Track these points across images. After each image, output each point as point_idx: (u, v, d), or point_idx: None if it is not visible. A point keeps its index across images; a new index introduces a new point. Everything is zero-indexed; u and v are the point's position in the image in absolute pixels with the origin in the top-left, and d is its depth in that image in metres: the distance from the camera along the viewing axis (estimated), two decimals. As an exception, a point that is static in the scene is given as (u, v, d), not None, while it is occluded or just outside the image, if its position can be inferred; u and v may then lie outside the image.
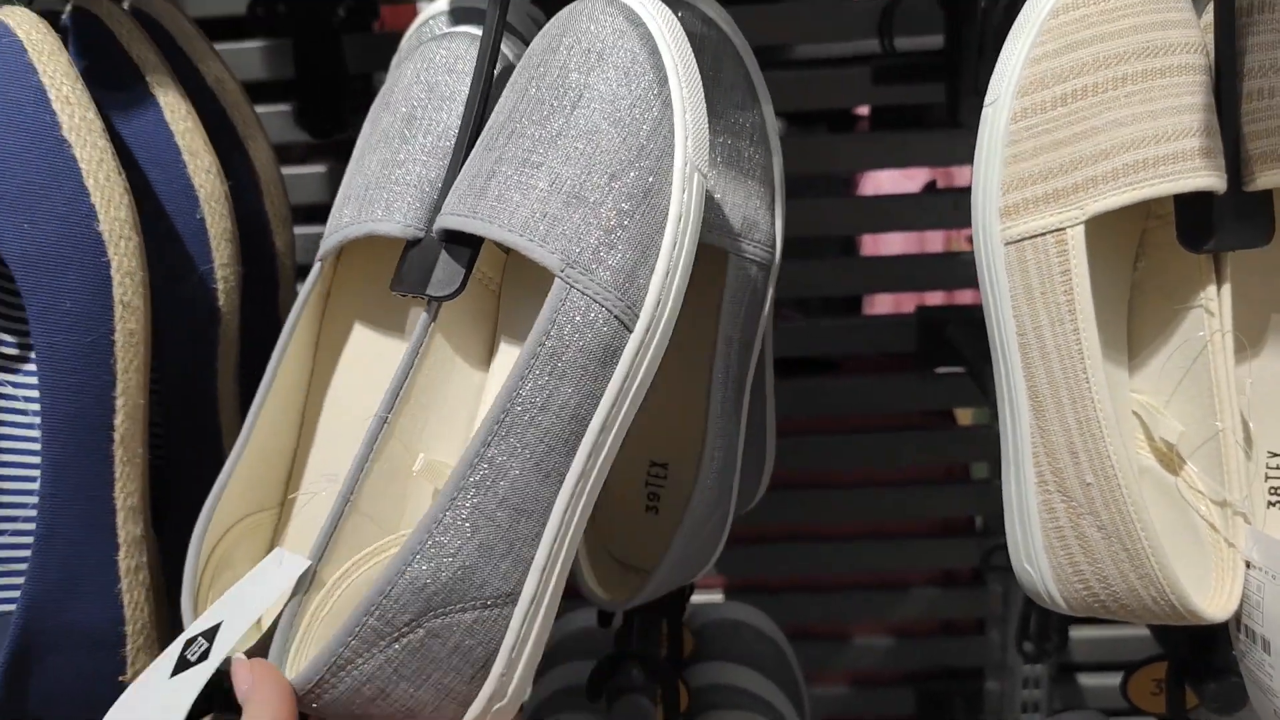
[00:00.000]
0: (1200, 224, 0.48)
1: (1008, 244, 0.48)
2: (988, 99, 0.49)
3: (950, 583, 1.14)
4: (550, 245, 0.43)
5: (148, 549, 0.49)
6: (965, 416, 1.20)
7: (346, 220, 0.50)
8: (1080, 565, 0.49)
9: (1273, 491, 0.53)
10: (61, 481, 0.46)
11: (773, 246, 0.56)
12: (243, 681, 0.41)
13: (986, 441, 1.08)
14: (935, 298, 1.12)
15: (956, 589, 1.13)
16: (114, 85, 0.51)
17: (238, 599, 0.43)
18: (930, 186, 1.24)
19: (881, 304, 1.32)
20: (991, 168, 0.49)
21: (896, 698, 1.17)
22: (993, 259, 0.49)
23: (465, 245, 0.47)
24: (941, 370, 1.05)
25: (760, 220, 0.54)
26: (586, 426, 0.43)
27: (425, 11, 0.58)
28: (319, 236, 0.78)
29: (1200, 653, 0.57)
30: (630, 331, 0.44)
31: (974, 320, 1.01)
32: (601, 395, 0.44)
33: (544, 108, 0.46)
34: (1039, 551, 0.50)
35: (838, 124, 1.22)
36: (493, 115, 0.49)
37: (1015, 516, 0.51)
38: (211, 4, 0.93)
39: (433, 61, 0.51)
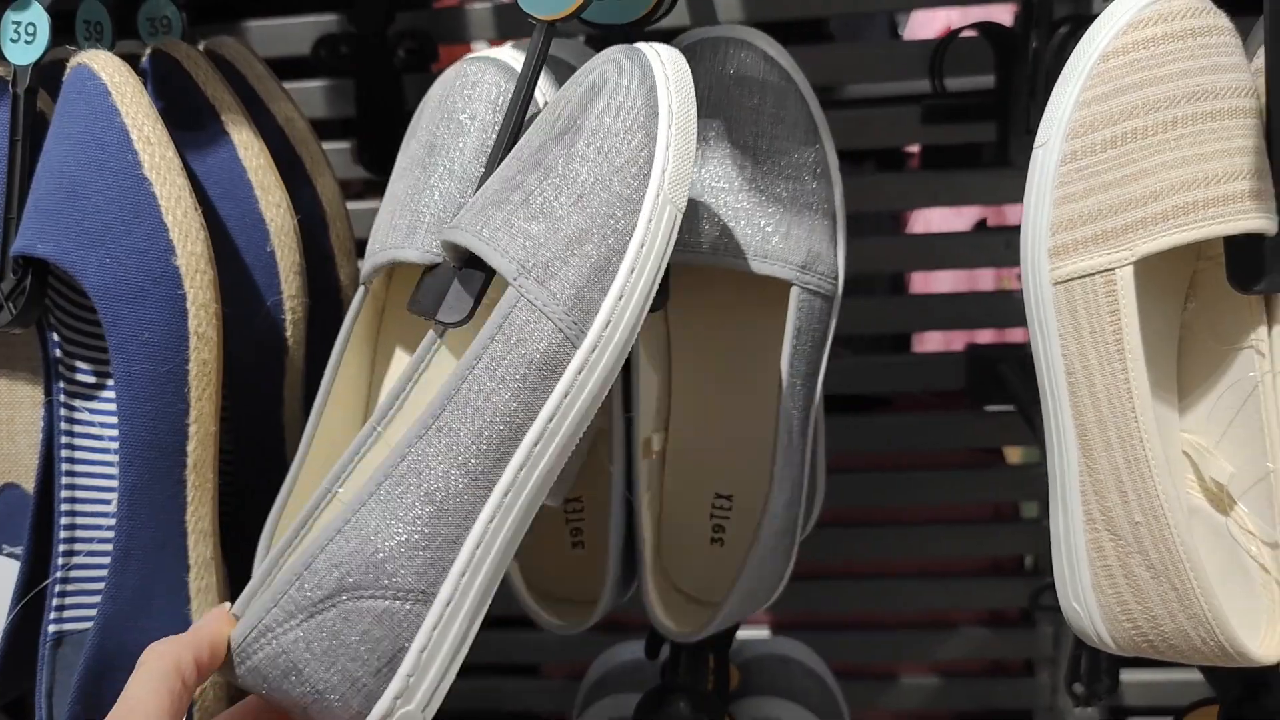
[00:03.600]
0: (1251, 265, 0.49)
1: (1057, 284, 0.49)
2: (1038, 141, 0.50)
3: (999, 623, 1.13)
4: (508, 254, 0.45)
5: (216, 570, 0.50)
6: (1015, 455, 1.19)
7: (376, 247, 0.53)
8: (1129, 604, 0.49)
9: (1324, 534, 0.53)
10: (138, 505, 0.48)
11: (835, 279, 0.57)
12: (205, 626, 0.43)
13: (1036, 481, 1.07)
14: (986, 335, 1.12)
15: (1005, 629, 1.12)
16: (191, 124, 0.53)
17: None
18: (980, 225, 1.24)
19: (931, 342, 1.32)
20: (1041, 209, 0.50)
21: (944, 738, 1.16)
22: (1041, 298, 0.50)
23: (478, 272, 0.47)
24: (992, 408, 1.05)
25: (823, 252, 0.55)
26: (522, 438, 0.44)
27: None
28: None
29: (1252, 695, 0.56)
30: (576, 348, 0.44)
31: (1026, 358, 1.01)
32: (540, 408, 0.44)
33: (542, 134, 0.48)
34: (1087, 590, 0.51)
35: (886, 162, 1.23)
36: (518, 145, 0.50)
37: (1063, 555, 0.52)
38: (277, 44, 0.96)
39: (452, 88, 0.54)
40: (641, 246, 0.45)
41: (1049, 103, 0.50)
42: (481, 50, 0.57)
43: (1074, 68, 0.49)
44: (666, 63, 0.47)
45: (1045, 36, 0.87)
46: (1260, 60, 0.49)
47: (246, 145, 0.54)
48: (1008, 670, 1.14)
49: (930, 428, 1.06)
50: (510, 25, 0.97)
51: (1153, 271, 0.51)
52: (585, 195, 0.45)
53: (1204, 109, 0.47)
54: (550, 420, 0.44)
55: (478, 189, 0.49)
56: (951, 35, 0.89)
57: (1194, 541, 0.48)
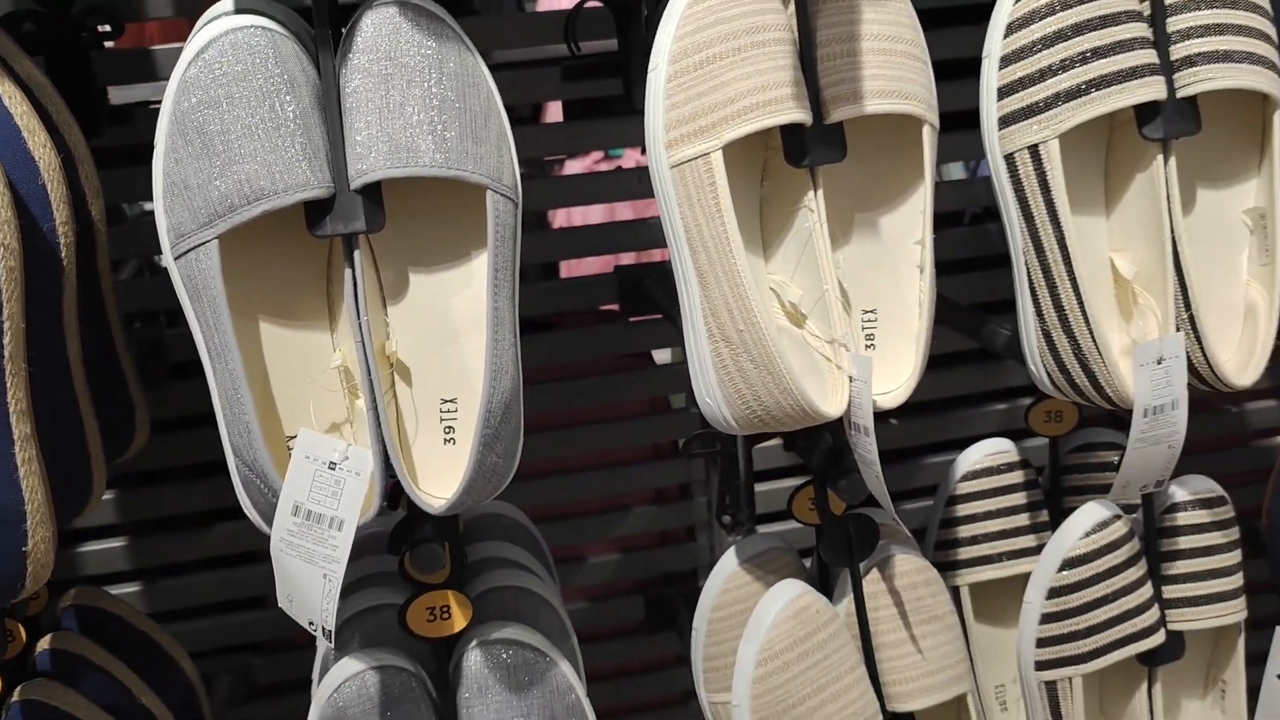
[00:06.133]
0: (798, 147, 0.70)
1: (672, 168, 0.68)
2: (650, 66, 0.69)
3: (662, 500, 1.34)
4: (478, 171, 0.66)
5: (35, 444, 0.60)
6: (663, 356, 1.40)
7: (266, 189, 0.62)
8: (742, 391, 0.70)
9: (868, 338, 0.76)
10: (-38, 390, 0.57)
11: (517, 190, 0.71)
12: None
13: (682, 376, 1.29)
14: (629, 258, 1.32)
15: (668, 504, 1.33)
16: (-42, 78, 0.62)
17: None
18: (618, 168, 1.45)
19: (590, 267, 1.49)
20: (657, 115, 0.69)
21: (628, 606, 1.36)
22: (663, 180, 0.69)
23: (373, 192, 0.65)
24: (639, 319, 1.25)
25: (505, 166, 0.70)
26: (518, 270, 0.68)
27: (207, 31, 0.66)
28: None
29: (833, 462, 0.78)
30: (519, 206, 0.69)
31: (665, 273, 1.22)
32: (518, 250, 0.68)
33: (418, 85, 0.65)
34: (714, 386, 0.71)
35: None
36: (358, 90, 0.65)
37: (695, 364, 0.72)
38: (-43, 23, 1.00)
39: (254, 55, 0.63)
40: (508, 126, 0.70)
41: (656, 38, 0.69)
42: (226, 21, 0.65)
43: (670, 13, 0.69)
44: (434, 7, 0.68)
45: (654, 3, 1.08)
46: (793, 6, 0.70)
47: (9, 95, 0.64)
48: (674, 539, 1.35)
49: (589, 341, 1.24)
50: (186, 2, 1.06)
51: (737, 159, 0.72)
52: (489, 116, 0.67)
53: (759, 39, 0.68)
54: (519, 256, 0.69)
55: (333, 130, 0.65)
56: (579, 5, 1.08)
57: (780, 340, 0.68)
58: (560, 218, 1.96)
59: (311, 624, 0.66)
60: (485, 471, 0.66)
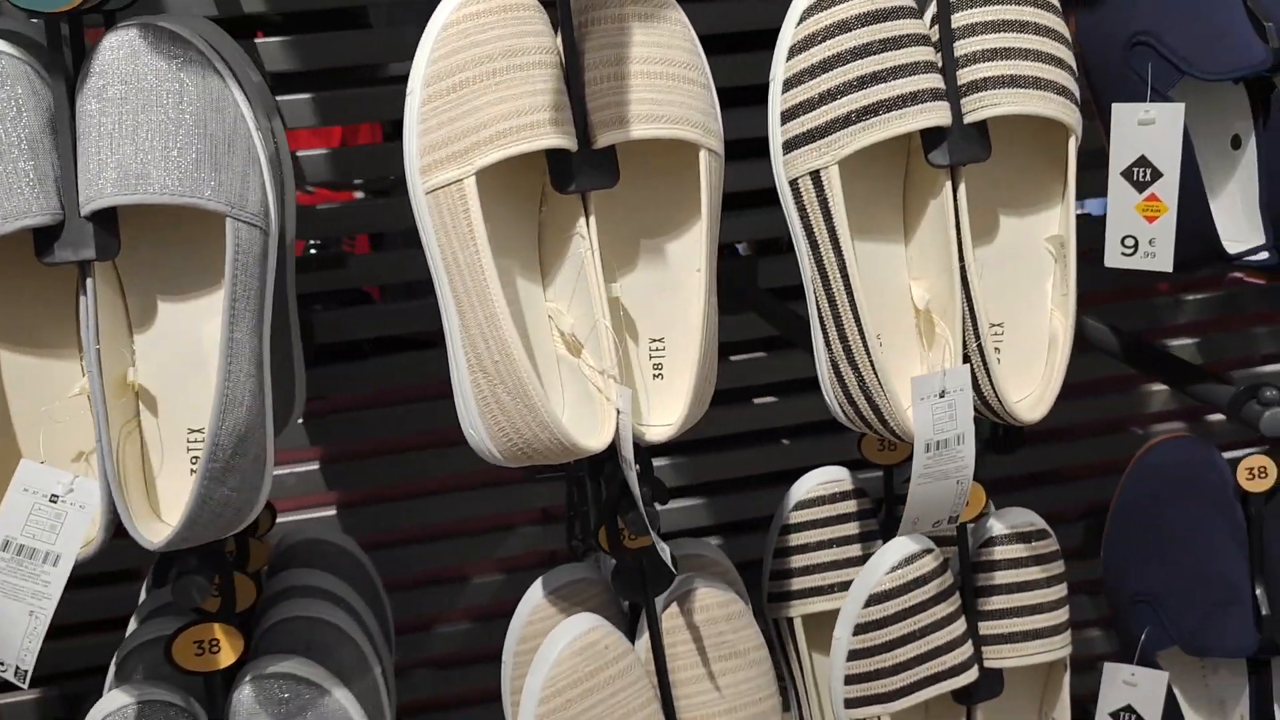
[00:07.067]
0: (564, 173, 0.68)
1: (427, 194, 0.67)
2: (408, 89, 0.67)
3: (548, 519, 1.32)
4: (216, 198, 0.64)
5: None
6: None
7: None
8: (502, 422, 0.68)
9: (655, 367, 0.74)
10: None
11: (267, 217, 0.68)
12: None
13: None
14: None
15: (555, 524, 1.31)
16: None
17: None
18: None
19: None
20: (411, 140, 0.67)
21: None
22: (420, 206, 0.67)
23: (106, 219, 0.63)
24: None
25: (251, 193, 0.67)
26: (266, 299, 0.66)
27: None
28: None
29: (624, 495, 0.76)
30: (269, 234, 0.67)
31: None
32: (267, 279, 0.66)
33: (153, 111, 0.63)
34: (476, 418, 0.69)
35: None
36: (92, 114, 0.63)
37: (459, 395, 0.70)
38: None
39: None
40: (264, 153, 0.68)
41: (413, 63, 0.67)
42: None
43: (425, 36, 0.67)
44: (183, 26, 0.66)
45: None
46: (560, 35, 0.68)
47: None
48: (560, 559, 1.33)
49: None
50: None
51: (511, 183, 0.70)
52: (231, 141, 0.65)
53: (515, 62, 0.66)
54: (273, 285, 0.67)
55: (64, 155, 0.63)
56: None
57: (532, 368, 0.66)
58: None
59: (2, 665, 0.64)
60: (214, 505, 0.64)
